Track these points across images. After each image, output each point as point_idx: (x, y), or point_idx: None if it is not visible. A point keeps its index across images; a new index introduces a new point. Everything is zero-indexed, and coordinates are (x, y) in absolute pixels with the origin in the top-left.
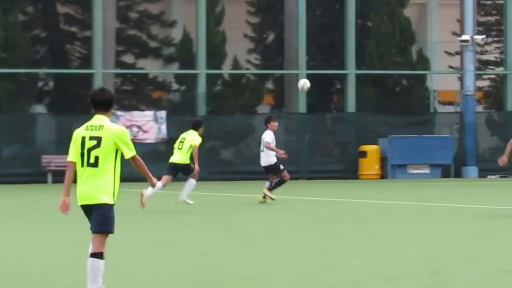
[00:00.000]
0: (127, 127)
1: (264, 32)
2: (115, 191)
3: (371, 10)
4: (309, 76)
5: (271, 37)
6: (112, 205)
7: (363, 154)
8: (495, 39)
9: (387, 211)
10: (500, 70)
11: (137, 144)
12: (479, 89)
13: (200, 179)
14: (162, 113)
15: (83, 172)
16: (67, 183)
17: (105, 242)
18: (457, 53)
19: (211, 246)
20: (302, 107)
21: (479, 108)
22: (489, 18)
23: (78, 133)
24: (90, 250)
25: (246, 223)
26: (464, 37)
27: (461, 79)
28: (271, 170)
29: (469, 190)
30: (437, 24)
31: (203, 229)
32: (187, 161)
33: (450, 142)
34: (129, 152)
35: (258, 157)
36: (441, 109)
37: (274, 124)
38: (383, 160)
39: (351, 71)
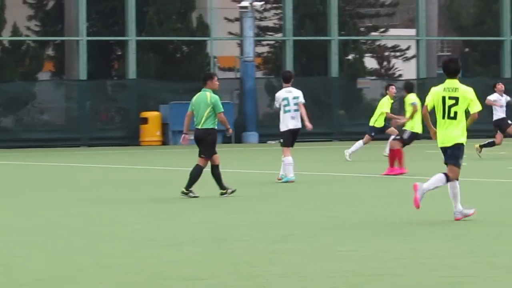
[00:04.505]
0: None
1: None
2: (465, 134)
3: None
4: (89, 43)
5: (51, 3)
6: (463, 144)
7: (144, 120)
8: (274, 5)
9: (168, 177)
10: (278, 36)
11: None
12: (258, 55)
13: None
14: None
15: (444, 123)
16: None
17: (456, 172)
18: (237, 19)
19: None
20: (82, 74)
21: (259, 74)
22: None
23: (438, 92)
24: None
25: (26, 191)
26: (243, 4)
27: (240, 45)
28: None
29: (249, 155)
30: None
31: None
32: None
33: (230, 108)
34: (475, 107)
35: (38, 125)
36: (221, 75)
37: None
38: (164, 126)
39: (131, 37)
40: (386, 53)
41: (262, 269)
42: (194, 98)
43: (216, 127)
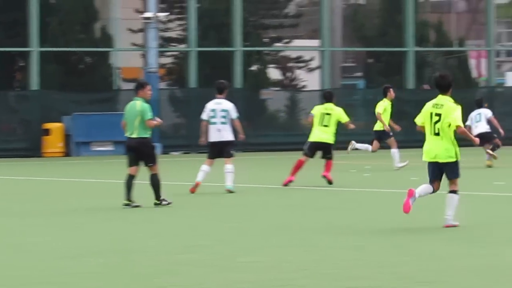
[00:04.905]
0: None
1: None
2: (455, 147)
3: None
4: None
5: None
6: (457, 160)
7: (47, 132)
8: (178, 16)
9: (71, 189)
10: (182, 47)
11: None
12: (162, 66)
13: None
14: None
15: (432, 139)
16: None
17: (456, 184)
18: (140, 30)
19: None
20: None
21: (162, 85)
22: None
23: (427, 109)
24: (449, 189)
25: None
26: (147, 14)
27: (144, 56)
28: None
29: None
30: (120, 1)
31: None
32: None
33: None
34: (455, 121)
35: None
36: (124, 86)
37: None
38: (67, 137)
39: (34, 48)
40: (290, 64)
41: (163, 280)
42: (126, 107)
43: (149, 136)
